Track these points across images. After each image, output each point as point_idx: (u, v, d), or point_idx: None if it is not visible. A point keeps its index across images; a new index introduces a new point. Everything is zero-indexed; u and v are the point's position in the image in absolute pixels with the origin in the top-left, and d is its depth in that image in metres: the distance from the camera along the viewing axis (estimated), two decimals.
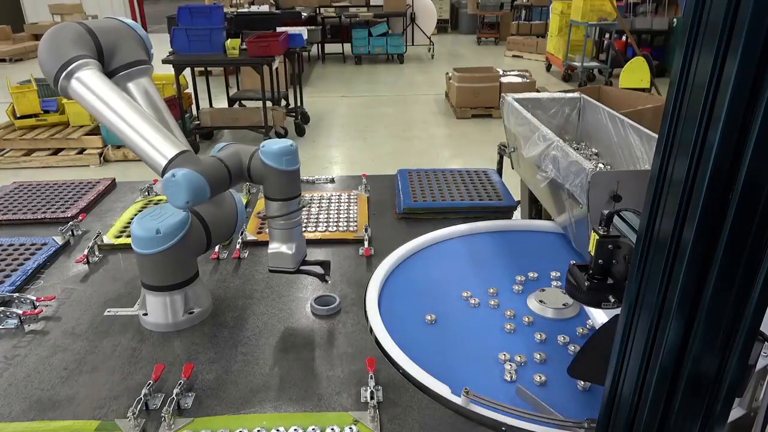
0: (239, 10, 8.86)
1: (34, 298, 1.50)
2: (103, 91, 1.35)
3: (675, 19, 9.67)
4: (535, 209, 2.27)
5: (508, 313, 1.41)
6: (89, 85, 1.35)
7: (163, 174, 1.28)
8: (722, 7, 0.60)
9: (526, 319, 1.38)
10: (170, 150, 1.30)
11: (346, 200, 2.11)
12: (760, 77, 0.59)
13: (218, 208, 1.50)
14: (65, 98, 1.43)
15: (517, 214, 2.11)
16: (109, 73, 1.45)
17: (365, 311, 1.44)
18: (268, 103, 6.42)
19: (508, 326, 1.36)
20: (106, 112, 1.34)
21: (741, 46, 0.59)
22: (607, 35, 9.60)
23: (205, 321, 1.45)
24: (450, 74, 8.04)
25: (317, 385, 1.22)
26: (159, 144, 1.31)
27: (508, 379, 1.19)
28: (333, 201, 2.11)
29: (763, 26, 0.57)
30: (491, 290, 1.51)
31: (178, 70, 6.01)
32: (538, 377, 1.19)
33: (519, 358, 1.26)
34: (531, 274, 1.59)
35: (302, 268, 1.45)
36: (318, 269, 1.47)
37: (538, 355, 1.26)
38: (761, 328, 0.77)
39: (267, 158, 1.32)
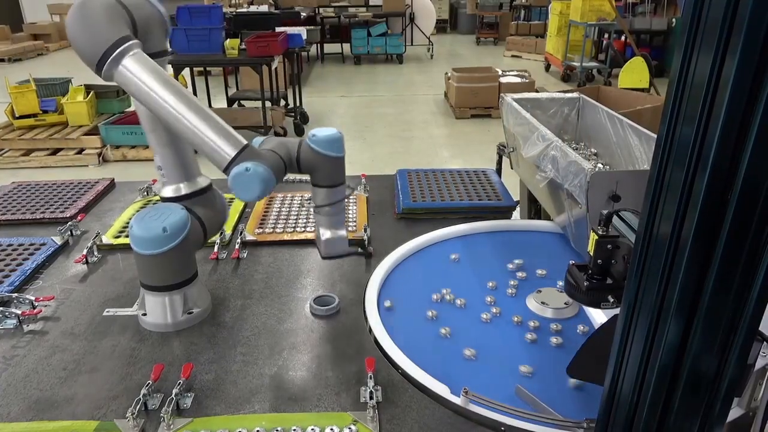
0: (238, 10, 8.86)
1: (32, 298, 1.50)
2: (157, 79, 1.28)
3: (674, 19, 9.68)
4: (534, 209, 2.27)
5: (508, 313, 1.41)
6: (140, 73, 1.27)
7: (227, 168, 1.26)
8: (721, 6, 0.60)
9: (528, 321, 1.38)
10: (234, 144, 1.27)
11: (347, 200, 2.11)
12: (759, 77, 0.59)
13: (210, 204, 1.52)
14: (107, 81, 1.32)
15: (516, 214, 2.11)
16: None
17: (364, 311, 1.44)
18: (267, 103, 6.42)
19: (507, 326, 1.36)
20: (161, 103, 1.27)
21: (740, 46, 0.59)
22: (606, 35, 9.61)
23: (204, 321, 1.45)
24: (449, 74, 8.04)
25: (316, 385, 1.22)
26: (222, 138, 1.27)
27: (508, 378, 1.19)
28: None
29: (762, 26, 0.57)
30: (490, 290, 1.51)
31: (177, 70, 6.01)
32: (537, 377, 1.19)
33: (518, 357, 1.26)
34: (530, 274, 1.59)
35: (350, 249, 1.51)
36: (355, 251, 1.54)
37: (538, 355, 1.26)
38: (760, 328, 0.77)
39: (318, 146, 1.33)
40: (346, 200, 1.45)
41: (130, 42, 1.27)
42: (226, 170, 1.26)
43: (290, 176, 2.34)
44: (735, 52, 0.59)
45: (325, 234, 1.44)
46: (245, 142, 1.30)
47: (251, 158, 1.26)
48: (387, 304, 1.46)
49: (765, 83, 0.59)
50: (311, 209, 1.45)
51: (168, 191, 1.48)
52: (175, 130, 1.30)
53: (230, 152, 1.26)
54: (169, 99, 1.27)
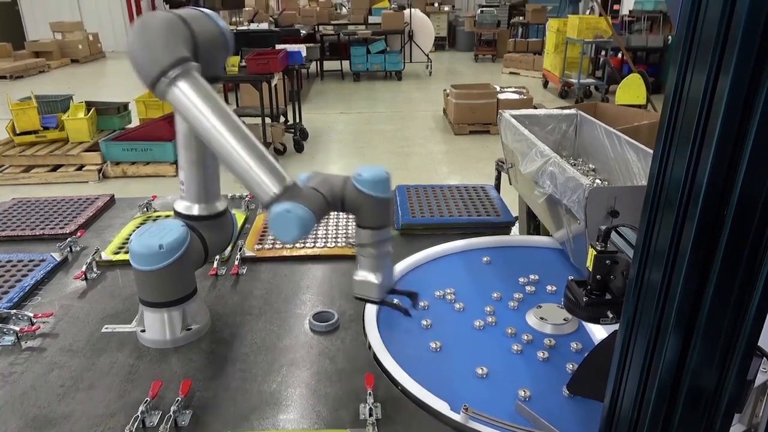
0: (239, 28, 8.95)
1: (31, 314, 1.49)
2: (210, 105, 1.24)
3: (670, 37, 9.78)
4: (533, 225, 2.28)
5: (507, 329, 1.41)
6: (194, 97, 1.24)
7: (268, 205, 1.22)
8: (714, 24, 0.61)
9: (525, 336, 1.38)
10: (279, 181, 1.23)
11: (345, 216, 2.11)
12: (753, 93, 0.60)
13: (218, 228, 1.51)
14: (160, 99, 1.29)
15: (515, 229, 2.11)
16: None
17: (364, 327, 1.44)
18: (267, 120, 6.46)
19: (507, 342, 1.36)
20: (211, 130, 1.23)
21: (733, 63, 0.60)
22: (603, 52, 9.71)
23: (203, 338, 1.45)
24: (448, 91, 8.11)
25: (315, 402, 1.22)
26: (267, 174, 1.23)
27: (508, 394, 1.19)
28: (332, 216, 2.11)
29: (754, 43, 0.58)
30: (489, 306, 1.51)
31: None
32: (537, 393, 1.19)
33: (518, 373, 1.25)
34: (529, 290, 1.59)
35: (386, 299, 1.38)
36: (398, 302, 1.40)
37: (537, 371, 1.25)
38: (759, 343, 0.77)
39: (364, 186, 1.27)
40: (389, 244, 1.35)
41: (188, 64, 1.25)
42: (267, 207, 1.23)
43: None
44: (728, 69, 0.60)
45: (358, 274, 1.35)
46: (290, 180, 1.25)
47: (294, 198, 1.21)
48: (386, 320, 1.45)
49: (759, 99, 0.59)
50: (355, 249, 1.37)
51: (181, 206, 1.47)
52: (221, 158, 1.26)
53: (274, 190, 1.22)
54: (220, 128, 1.23)
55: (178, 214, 1.47)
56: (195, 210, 1.46)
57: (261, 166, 1.23)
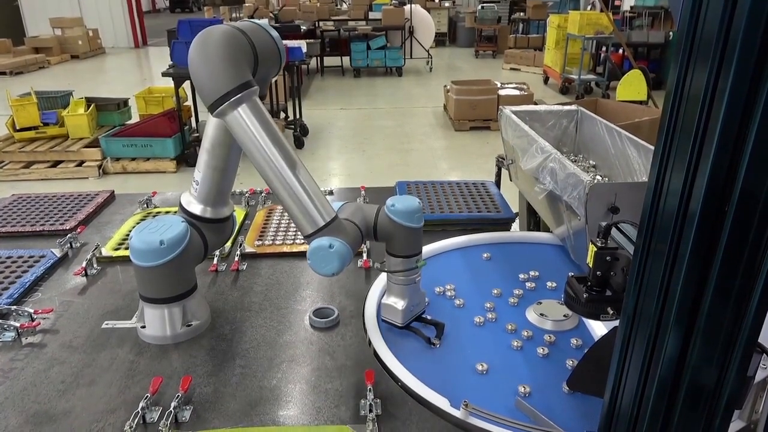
0: None
1: (31, 310, 1.49)
2: (267, 133, 1.26)
3: (671, 33, 9.75)
4: (533, 221, 2.27)
5: (507, 325, 1.41)
6: (253, 123, 1.25)
7: (309, 237, 1.27)
8: (716, 21, 0.61)
9: (525, 332, 1.38)
10: (322, 215, 1.27)
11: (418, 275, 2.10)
12: (754, 90, 0.60)
13: (221, 229, 1.52)
14: (215, 118, 1.30)
15: (515, 226, 2.11)
16: None
17: (364, 323, 1.44)
18: None
19: (507, 338, 1.36)
20: (268, 158, 1.26)
21: (735, 60, 0.59)
22: (604, 48, 9.67)
23: (204, 334, 1.45)
24: (448, 87, 8.09)
25: (315, 397, 1.22)
26: (313, 206, 1.27)
27: (508, 390, 1.19)
28: None
29: (756, 40, 0.58)
30: (489, 302, 1.51)
31: (178, 83, 6.03)
32: (537, 389, 1.19)
33: (518, 369, 1.25)
34: (529, 286, 1.59)
35: (412, 325, 1.41)
36: (424, 331, 1.40)
37: (537, 368, 1.25)
38: (759, 340, 0.77)
39: (396, 216, 1.31)
40: (417, 274, 1.39)
41: (250, 89, 1.26)
42: (308, 238, 1.27)
43: None
44: (730, 65, 0.60)
45: (387, 299, 1.40)
46: (334, 214, 1.29)
47: (334, 233, 1.25)
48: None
49: (760, 95, 0.59)
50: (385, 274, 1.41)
51: (188, 203, 1.47)
52: (271, 185, 1.29)
53: (317, 223, 1.26)
54: (276, 158, 1.26)
55: (182, 209, 1.47)
56: (201, 211, 1.46)
57: (309, 198, 1.27)
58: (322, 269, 1.25)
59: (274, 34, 1.39)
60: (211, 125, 1.39)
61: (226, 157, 1.43)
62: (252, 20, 1.41)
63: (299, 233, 1.94)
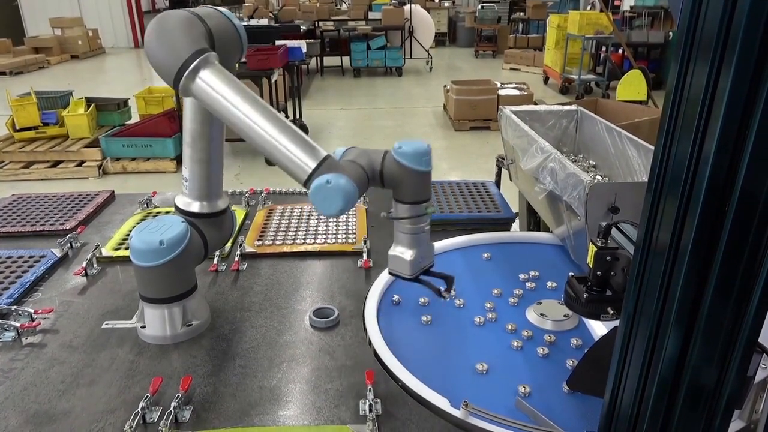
0: None
1: (31, 310, 1.49)
2: (235, 90, 1.23)
3: (671, 33, 9.75)
4: (534, 221, 2.27)
5: (507, 325, 1.41)
6: (216, 85, 1.22)
7: (307, 181, 1.20)
8: (716, 21, 0.61)
9: (525, 332, 1.38)
10: (314, 156, 1.21)
11: (345, 213, 2.11)
12: (754, 90, 0.60)
13: (218, 225, 1.52)
14: (183, 96, 1.29)
15: (515, 226, 2.11)
16: None
17: (364, 323, 1.44)
18: None
19: (507, 338, 1.36)
20: (239, 115, 1.22)
21: (735, 60, 0.59)
22: (604, 48, 9.67)
23: (204, 334, 1.45)
24: (448, 87, 8.09)
25: (315, 397, 1.22)
26: (301, 150, 1.21)
27: (508, 390, 1.19)
28: None
29: (756, 40, 0.58)
30: (489, 302, 1.51)
31: None
32: (537, 389, 1.19)
33: (518, 369, 1.25)
34: (529, 286, 1.59)
35: (421, 277, 1.36)
36: (435, 284, 1.37)
37: (537, 367, 1.25)
38: (759, 340, 0.77)
39: (404, 159, 1.24)
40: (425, 222, 1.32)
41: (208, 54, 1.24)
42: (307, 183, 1.20)
43: (289, 188, 2.35)
44: (730, 65, 0.60)
45: (394, 249, 1.34)
46: (325, 153, 1.23)
47: (332, 170, 1.19)
48: (386, 316, 1.46)
49: (760, 95, 0.59)
50: (393, 222, 1.33)
51: (182, 203, 1.48)
52: (252, 142, 1.24)
53: (310, 164, 1.20)
54: (248, 110, 1.22)
55: (178, 210, 1.47)
56: (196, 207, 1.46)
57: (295, 143, 1.21)
58: (327, 209, 1.18)
59: (235, 20, 1.39)
60: (187, 118, 1.40)
61: (208, 148, 1.43)
62: (213, 6, 1.41)
63: (299, 233, 1.94)
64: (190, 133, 1.42)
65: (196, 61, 1.21)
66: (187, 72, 1.21)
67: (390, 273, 1.37)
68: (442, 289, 1.34)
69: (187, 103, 1.39)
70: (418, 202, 1.29)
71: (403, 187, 1.28)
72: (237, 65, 1.47)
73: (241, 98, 1.22)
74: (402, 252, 1.33)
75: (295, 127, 1.25)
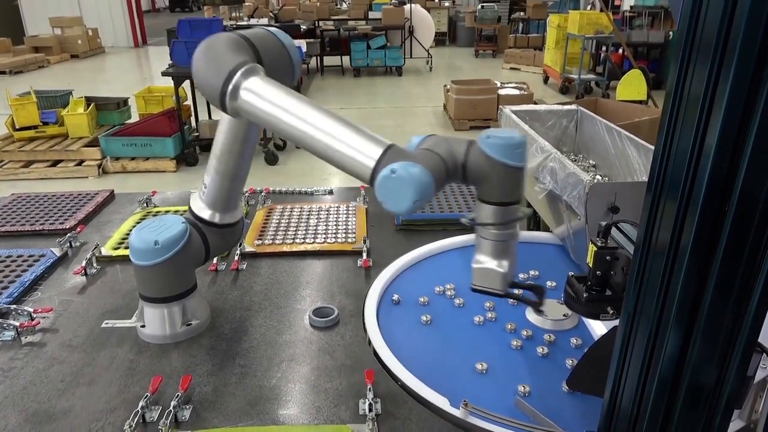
0: (238, 23, 8.92)
1: (31, 309, 1.49)
2: (284, 91, 1.13)
3: (671, 32, 9.75)
4: (533, 220, 2.27)
5: (507, 325, 1.41)
6: (264, 89, 1.13)
7: (373, 177, 1.04)
8: (716, 21, 0.61)
9: (525, 332, 1.38)
10: (376, 146, 1.06)
11: (345, 212, 2.11)
12: (754, 90, 0.60)
13: (226, 235, 1.52)
14: (233, 116, 1.19)
15: None
16: None
17: (364, 323, 1.44)
18: None
19: (507, 338, 1.36)
20: (291, 117, 1.11)
21: (735, 60, 0.59)
22: (604, 48, 9.67)
23: (203, 333, 1.45)
24: (448, 86, 8.09)
25: (315, 397, 1.22)
26: (363, 141, 1.07)
27: (507, 390, 1.19)
28: (331, 212, 2.11)
29: (756, 40, 0.58)
30: (489, 302, 1.51)
31: (178, 83, 6.04)
32: (537, 389, 1.19)
33: (518, 369, 1.25)
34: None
35: (511, 291, 1.20)
36: (527, 295, 1.23)
37: (537, 367, 1.25)
38: (759, 340, 0.77)
39: (493, 150, 1.04)
40: (516, 225, 1.14)
41: (251, 65, 1.15)
42: (372, 179, 1.04)
43: (289, 187, 2.35)
44: (730, 66, 0.60)
45: (478, 261, 1.15)
46: (390, 143, 1.08)
47: (400, 158, 1.02)
48: (386, 315, 1.45)
49: (760, 96, 0.59)
50: (475, 228, 1.14)
51: (196, 205, 1.47)
52: (309, 146, 1.12)
53: (374, 156, 1.04)
54: (301, 109, 1.11)
55: (191, 211, 1.47)
56: (207, 215, 1.46)
57: (355, 136, 1.09)
58: (398, 205, 1.00)
59: (287, 41, 1.31)
60: (221, 131, 1.39)
61: (234, 164, 1.42)
62: (266, 27, 1.34)
63: (298, 233, 1.94)
64: (220, 146, 1.40)
65: (239, 72, 1.13)
66: (231, 85, 1.13)
67: (474, 290, 1.18)
68: (534, 299, 1.18)
69: (224, 116, 1.32)
70: (508, 204, 1.10)
71: (490, 185, 1.08)
72: None
73: (290, 97, 1.13)
74: (490, 263, 1.14)
75: (351, 122, 1.12)
